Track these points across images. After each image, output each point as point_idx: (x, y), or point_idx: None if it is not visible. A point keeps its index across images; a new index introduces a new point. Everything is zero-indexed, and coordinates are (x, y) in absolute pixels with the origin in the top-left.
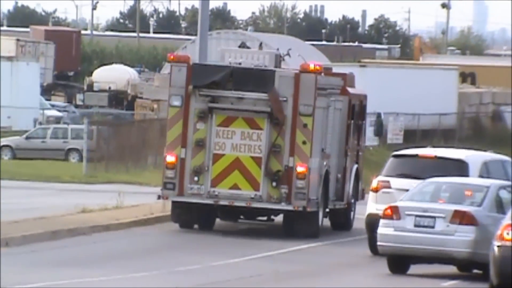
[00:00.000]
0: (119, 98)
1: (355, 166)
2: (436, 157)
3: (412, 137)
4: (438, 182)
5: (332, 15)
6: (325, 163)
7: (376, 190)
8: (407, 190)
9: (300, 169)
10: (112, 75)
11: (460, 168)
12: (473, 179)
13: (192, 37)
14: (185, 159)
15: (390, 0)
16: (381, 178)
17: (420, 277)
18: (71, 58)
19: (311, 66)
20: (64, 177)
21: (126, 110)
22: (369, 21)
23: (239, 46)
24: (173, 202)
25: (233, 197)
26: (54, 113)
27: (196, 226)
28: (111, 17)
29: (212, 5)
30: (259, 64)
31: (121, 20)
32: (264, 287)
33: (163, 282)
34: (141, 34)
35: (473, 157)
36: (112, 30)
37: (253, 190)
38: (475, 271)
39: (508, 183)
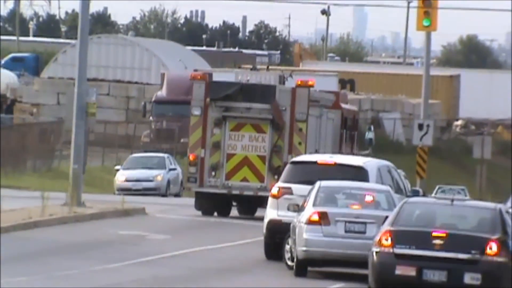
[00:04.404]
0: None
1: None
2: (335, 164)
3: None
4: (341, 187)
5: (213, 20)
6: None
7: (277, 197)
8: None
9: None
10: None
11: (360, 174)
12: (371, 184)
13: (73, 41)
14: (204, 158)
15: (270, 6)
16: (281, 184)
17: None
18: None
19: (305, 82)
20: None
21: (6, 114)
22: (250, 26)
23: (251, 69)
24: (196, 194)
25: (243, 188)
26: None
27: (215, 213)
28: None
29: (93, 9)
30: (266, 82)
31: (1, 23)
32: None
33: (41, 286)
34: (21, 38)
35: (370, 163)
36: None
37: (259, 182)
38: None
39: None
